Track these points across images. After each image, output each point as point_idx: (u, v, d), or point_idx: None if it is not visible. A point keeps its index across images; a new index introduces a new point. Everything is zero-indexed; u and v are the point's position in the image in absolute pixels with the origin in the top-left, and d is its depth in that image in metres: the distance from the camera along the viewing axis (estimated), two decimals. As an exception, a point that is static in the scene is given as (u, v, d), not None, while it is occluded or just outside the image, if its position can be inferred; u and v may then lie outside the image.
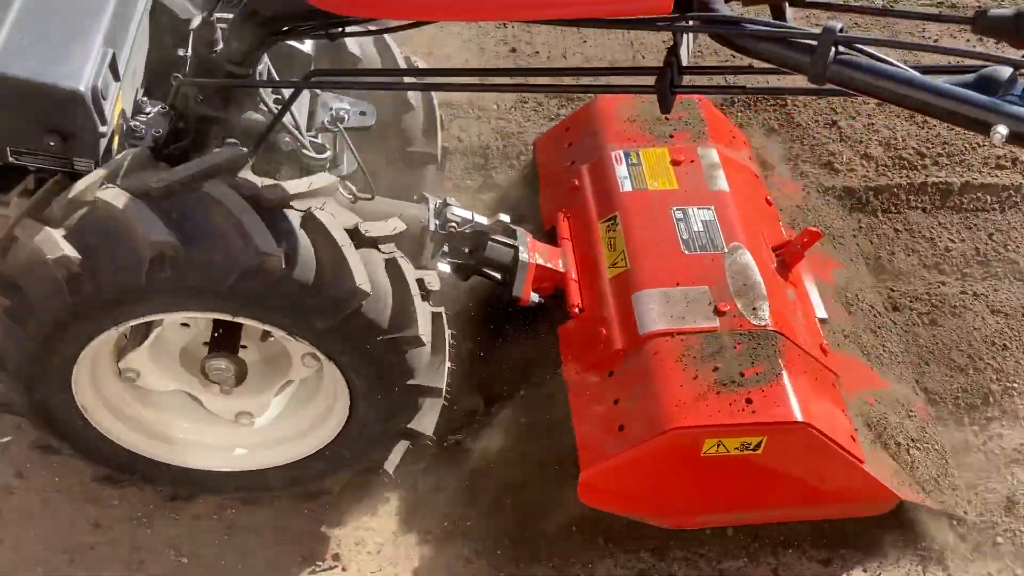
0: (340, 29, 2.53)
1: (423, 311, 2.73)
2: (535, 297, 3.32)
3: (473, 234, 3.26)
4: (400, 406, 2.84)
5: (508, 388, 3.36)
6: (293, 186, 2.59)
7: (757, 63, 2.00)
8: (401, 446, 2.99)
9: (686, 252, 3.29)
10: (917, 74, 1.75)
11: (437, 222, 3.17)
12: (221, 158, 2.55)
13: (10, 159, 2.60)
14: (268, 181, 2.59)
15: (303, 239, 2.53)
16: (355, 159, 2.87)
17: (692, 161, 3.59)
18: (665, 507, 3.09)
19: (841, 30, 1.75)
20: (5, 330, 2.61)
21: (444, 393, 2.88)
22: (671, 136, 3.69)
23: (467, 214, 3.25)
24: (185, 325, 2.94)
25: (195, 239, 2.44)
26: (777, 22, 1.85)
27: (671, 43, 2.08)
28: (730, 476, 2.98)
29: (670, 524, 3.17)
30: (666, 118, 3.75)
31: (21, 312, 2.56)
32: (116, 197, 2.44)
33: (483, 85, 2.58)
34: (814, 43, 1.79)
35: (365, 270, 2.57)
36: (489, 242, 3.27)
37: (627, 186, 3.51)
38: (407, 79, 3.06)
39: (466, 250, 3.25)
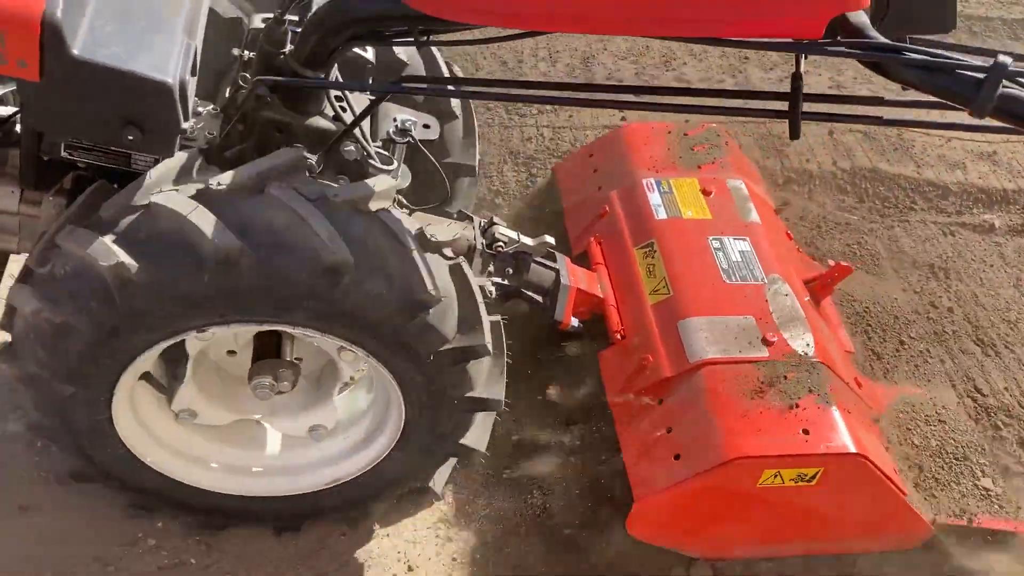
0: (427, 37, 2.44)
1: (487, 319, 2.61)
2: (574, 322, 3.26)
3: (516, 254, 3.18)
4: (455, 421, 2.71)
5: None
6: (356, 188, 2.45)
7: (893, 95, 2.00)
8: (447, 465, 2.87)
9: (727, 281, 3.28)
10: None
11: (484, 241, 3.09)
12: (281, 159, 2.42)
13: (63, 153, 2.41)
14: (329, 184, 2.46)
15: (372, 242, 2.38)
16: (431, 170, 2.77)
17: (722, 192, 3.60)
18: (710, 539, 3.05)
19: (1012, 64, 1.77)
20: (45, 345, 2.41)
21: (503, 406, 2.76)
22: (699, 167, 3.70)
23: (513, 234, 3.17)
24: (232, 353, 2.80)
25: (261, 243, 2.29)
26: (938, 51, 1.85)
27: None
28: (780, 508, 2.96)
29: (711, 556, 3.13)
30: (693, 149, 3.77)
31: (65, 324, 2.36)
32: (172, 200, 2.29)
33: (589, 101, 2.51)
34: (980, 76, 1.79)
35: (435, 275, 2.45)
36: (532, 264, 3.20)
37: (662, 214, 3.50)
38: (501, 90, 2.97)
39: (509, 270, 3.17)
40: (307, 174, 2.46)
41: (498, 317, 2.75)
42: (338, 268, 2.31)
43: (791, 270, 3.43)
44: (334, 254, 2.30)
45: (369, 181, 2.49)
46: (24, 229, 2.68)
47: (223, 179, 2.35)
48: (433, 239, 2.52)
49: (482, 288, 2.66)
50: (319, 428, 2.85)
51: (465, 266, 2.58)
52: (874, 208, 4.36)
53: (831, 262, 3.67)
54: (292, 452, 2.93)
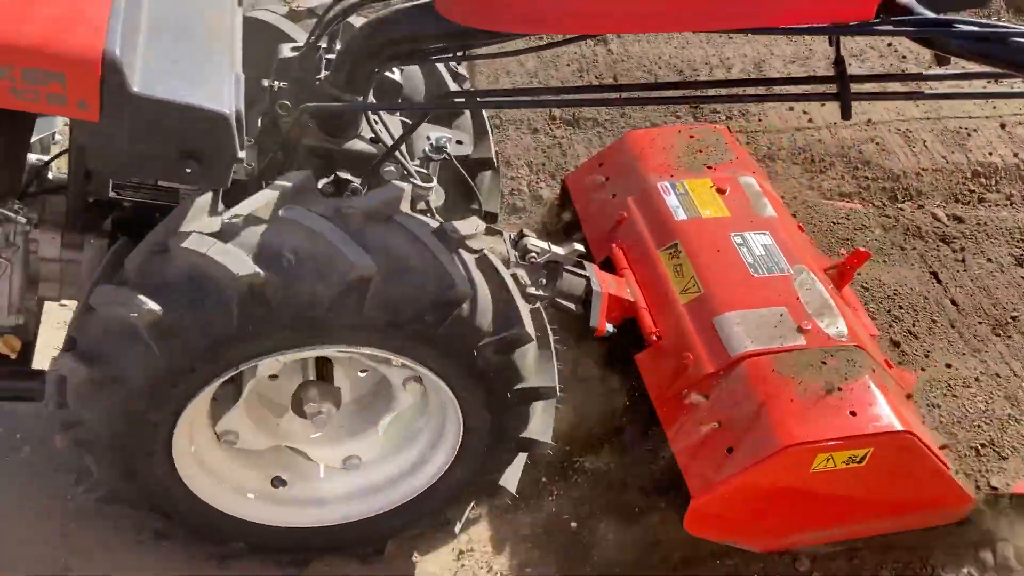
0: (464, 52, 2.48)
1: (524, 307, 2.58)
2: (609, 327, 3.29)
3: (548, 264, 3.21)
4: (513, 415, 2.68)
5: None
6: (367, 199, 2.45)
7: (935, 69, 2.08)
8: (518, 463, 2.86)
9: (755, 275, 3.34)
10: None
11: (516, 253, 3.11)
12: (289, 182, 2.40)
13: (111, 193, 2.40)
14: (340, 199, 2.46)
15: (393, 248, 2.37)
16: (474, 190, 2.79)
17: (736, 190, 3.67)
18: (766, 531, 3.08)
19: (1062, 27, 1.85)
20: (96, 409, 2.41)
21: (558, 392, 2.73)
22: (709, 167, 3.77)
23: (544, 244, 3.20)
24: (274, 377, 2.77)
25: (282, 267, 2.27)
26: (986, 22, 1.92)
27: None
28: (830, 492, 3.00)
29: (763, 547, 3.16)
30: (699, 151, 3.84)
31: (110, 383, 2.36)
32: (190, 240, 2.27)
33: (644, 99, 2.55)
34: (1033, 42, 1.87)
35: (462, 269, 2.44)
36: (564, 272, 3.23)
37: (681, 215, 3.55)
38: (541, 97, 3.00)
39: (542, 280, 3.19)
40: (320, 192, 2.46)
41: (537, 304, 2.72)
42: (363, 279, 2.29)
43: (812, 260, 3.50)
44: (357, 265, 2.28)
45: (379, 191, 2.48)
46: (66, 275, 2.66)
47: (236, 211, 2.34)
48: (454, 234, 2.50)
49: (515, 276, 2.62)
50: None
51: (491, 256, 2.55)
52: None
53: (843, 251, 3.78)
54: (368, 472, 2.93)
